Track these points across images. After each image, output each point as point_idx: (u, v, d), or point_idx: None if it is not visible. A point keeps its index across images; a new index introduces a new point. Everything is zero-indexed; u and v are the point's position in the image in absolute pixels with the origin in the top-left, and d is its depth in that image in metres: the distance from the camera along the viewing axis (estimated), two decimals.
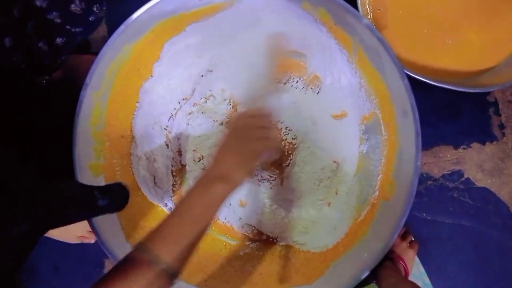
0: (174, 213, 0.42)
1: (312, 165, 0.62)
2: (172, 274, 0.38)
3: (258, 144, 0.47)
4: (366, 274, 0.49)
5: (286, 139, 0.64)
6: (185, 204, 0.42)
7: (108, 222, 0.55)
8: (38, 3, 0.50)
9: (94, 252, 0.74)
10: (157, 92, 0.64)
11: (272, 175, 0.63)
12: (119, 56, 0.57)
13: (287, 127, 0.65)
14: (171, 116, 0.67)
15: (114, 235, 0.56)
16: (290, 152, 0.64)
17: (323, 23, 0.57)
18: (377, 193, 0.56)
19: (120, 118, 0.61)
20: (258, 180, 0.63)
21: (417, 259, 0.68)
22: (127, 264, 0.38)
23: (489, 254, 0.70)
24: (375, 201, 0.56)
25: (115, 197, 0.49)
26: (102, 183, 0.58)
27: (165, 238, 0.39)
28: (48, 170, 0.43)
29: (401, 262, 0.60)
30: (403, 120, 0.52)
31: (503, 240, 0.70)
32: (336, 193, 0.62)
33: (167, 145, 0.67)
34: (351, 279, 0.50)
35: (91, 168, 0.57)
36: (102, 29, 0.75)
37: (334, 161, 0.63)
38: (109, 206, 0.47)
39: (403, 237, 0.66)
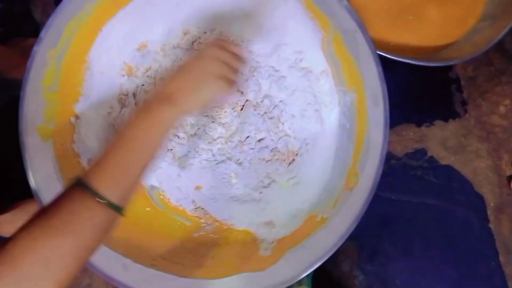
0: (115, 143, 0.38)
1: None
2: (117, 210, 0.36)
3: (217, 84, 0.42)
4: (319, 264, 0.48)
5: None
6: (127, 132, 0.38)
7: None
8: None
9: None
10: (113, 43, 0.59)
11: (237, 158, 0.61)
12: (80, 14, 0.53)
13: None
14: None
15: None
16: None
17: (302, 1, 0.54)
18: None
19: (76, 81, 0.57)
20: (217, 161, 0.60)
21: None
22: (69, 199, 0.35)
23: (454, 231, 0.71)
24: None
25: None
26: (51, 149, 0.54)
27: (107, 176, 0.36)
28: None
29: None
30: (374, 109, 0.51)
31: (467, 217, 0.71)
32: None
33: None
34: (304, 269, 0.49)
35: (39, 131, 0.52)
36: (52, 10, 0.69)
37: (306, 144, 0.61)
38: None
39: None
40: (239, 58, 0.45)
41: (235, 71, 0.44)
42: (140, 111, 0.40)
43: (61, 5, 0.51)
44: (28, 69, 0.51)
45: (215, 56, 0.43)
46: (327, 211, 0.53)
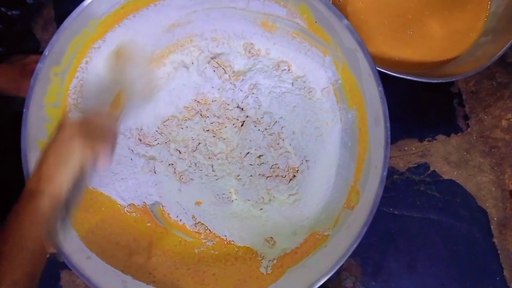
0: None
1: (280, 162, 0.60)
2: None
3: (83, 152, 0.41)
4: (319, 284, 0.47)
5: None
6: (10, 225, 0.38)
7: None
8: None
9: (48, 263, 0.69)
10: None
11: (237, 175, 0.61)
12: (84, 31, 0.53)
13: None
14: None
15: None
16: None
17: (304, 19, 0.55)
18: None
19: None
20: (217, 177, 0.60)
21: None
22: None
23: (458, 246, 0.70)
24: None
25: None
26: None
27: None
28: None
29: None
30: (375, 128, 0.51)
31: (471, 232, 0.70)
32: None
33: None
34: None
35: (42, 146, 0.53)
36: (52, 26, 0.70)
37: (306, 160, 0.60)
38: None
39: None
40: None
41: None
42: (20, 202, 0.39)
43: (66, 22, 0.51)
44: (32, 86, 0.51)
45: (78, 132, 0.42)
46: (328, 229, 0.53)
